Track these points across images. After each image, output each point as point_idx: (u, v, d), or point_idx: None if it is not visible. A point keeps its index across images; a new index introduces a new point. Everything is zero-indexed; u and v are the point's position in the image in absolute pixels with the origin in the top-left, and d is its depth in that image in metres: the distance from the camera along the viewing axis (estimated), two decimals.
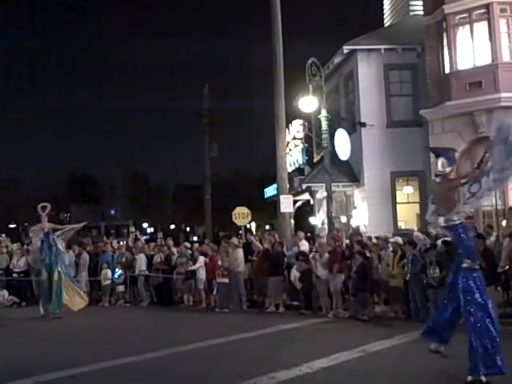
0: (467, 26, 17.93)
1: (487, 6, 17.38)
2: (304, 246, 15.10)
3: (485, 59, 17.54)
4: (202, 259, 15.89)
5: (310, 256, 13.93)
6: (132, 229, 20.83)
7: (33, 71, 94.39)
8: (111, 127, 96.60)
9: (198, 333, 11.30)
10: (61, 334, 12.00)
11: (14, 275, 18.19)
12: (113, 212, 56.97)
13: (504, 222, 14.76)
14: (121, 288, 17.44)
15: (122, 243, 21.10)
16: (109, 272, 17.28)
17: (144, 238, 34.20)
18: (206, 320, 13.60)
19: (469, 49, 17.79)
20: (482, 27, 17.71)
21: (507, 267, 10.64)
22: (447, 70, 18.19)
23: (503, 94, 16.95)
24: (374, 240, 14.33)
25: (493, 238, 12.05)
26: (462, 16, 18.00)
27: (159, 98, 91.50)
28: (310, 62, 18.89)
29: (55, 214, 56.59)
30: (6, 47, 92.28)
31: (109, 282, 17.21)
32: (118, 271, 17.43)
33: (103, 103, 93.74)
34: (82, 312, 14.74)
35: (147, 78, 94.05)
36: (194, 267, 15.83)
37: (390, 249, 12.73)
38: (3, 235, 21.37)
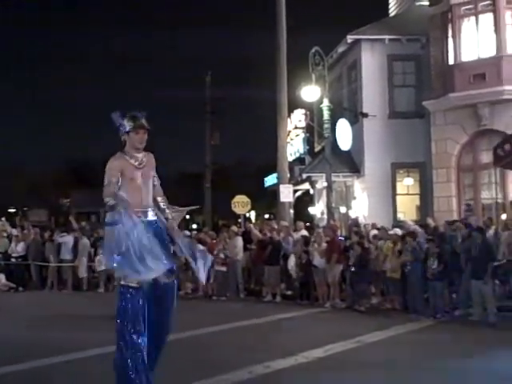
0: (473, 18, 17.77)
1: None
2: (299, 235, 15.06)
3: (489, 51, 17.38)
4: (200, 248, 15.84)
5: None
6: None
7: (33, 59, 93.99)
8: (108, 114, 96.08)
9: (195, 320, 11.26)
10: (56, 319, 11.96)
11: (13, 260, 18.23)
12: None
13: (504, 216, 14.73)
14: None
15: None
16: (102, 258, 17.25)
17: None
18: (203, 308, 13.58)
19: (473, 40, 17.64)
20: (487, 19, 17.55)
21: (505, 260, 10.59)
22: (451, 62, 18.06)
23: (506, 87, 16.81)
24: (375, 231, 14.29)
25: (492, 231, 12.01)
26: (467, 7, 17.84)
27: (162, 86, 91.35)
28: (313, 51, 18.78)
29: (55, 199, 56.64)
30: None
31: (103, 267, 17.19)
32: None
33: (104, 90, 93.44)
34: (78, 297, 14.67)
35: (151, 67, 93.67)
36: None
37: (389, 240, 12.69)
38: (3, 219, 21.32)
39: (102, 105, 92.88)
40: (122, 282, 5.33)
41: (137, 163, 5.39)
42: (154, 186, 5.59)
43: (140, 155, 5.44)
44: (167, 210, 5.61)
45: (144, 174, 5.41)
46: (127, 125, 5.35)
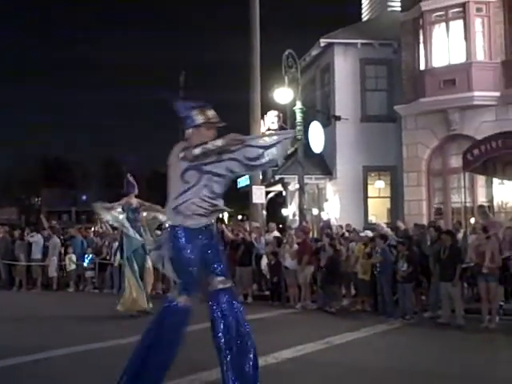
0: (443, 24, 18.08)
1: (463, 5, 17.53)
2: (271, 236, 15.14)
3: (459, 57, 17.70)
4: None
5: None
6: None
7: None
8: (87, 115, 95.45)
9: None
10: (24, 318, 11.82)
11: None
12: (85, 197, 56.43)
13: (472, 220, 14.98)
14: (90, 273, 17.35)
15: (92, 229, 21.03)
16: (73, 257, 17.17)
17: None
18: None
19: (444, 46, 17.94)
20: (457, 26, 17.87)
21: (473, 263, 10.78)
22: (422, 67, 18.32)
23: (476, 93, 17.14)
24: (347, 234, 14.43)
25: (460, 235, 12.21)
26: (438, 14, 18.14)
27: (135, 88, 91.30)
28: (286, 53, 18.86)
29: (26, 198, 55.94)
30: None
31: (74, 266, 17.09)
32: (89, 256, 17.34)
33: (81, 91, 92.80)
34: (48, 297, 14.47)
35: (126, 71, 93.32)
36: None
37: (361, 242, 12.82)
38: None
39: (76, 106, 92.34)
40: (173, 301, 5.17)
41: None
42: None
43: None
44: None
45: None
46: (198, 118, 4.90)
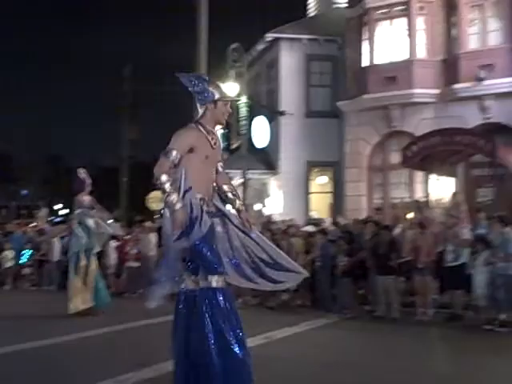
0: (387, 22, 18.36)
1: (407, 3, 17.85)
2: None
3: (402, 55, 18.02)
4: (112, 244, 15.53)
5: None
6: (44, 210, 20.23)
7: None
8: (26, 108, 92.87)
9: (102, 318, 11.03)
10: None
11: None
12: (25, 192, 55.08)
13: (410, 215, 15.27)
14: (27, 270, 16.91)
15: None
16: (10, 253, 16.69)
17: (57, 219, 33.16)
18: (113, 305, 13.27)
19: (387, 44, 18.22)
20: (401, 23, 18.19)
21: (409, 258, 10.99)
22: (365, 64, 18.56)
23: (416, 90, 17.47)
24: (293, 229, 14.43)
25: (398, 230, 12.41)
26: (382, 11, 18.42)
27: (79, 84, 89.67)
28: (232, 47, 18.79)
29: None
30: None
31: (11, 263, 16.61)
32: (27, 253, 16.90)
33: (22, 84, 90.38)
34: None
35: (71, 65, 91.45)
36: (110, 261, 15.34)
37: (301, 237, 12.88)
38: None
39: (16, 99, 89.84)
40: None
41: (213, 142, 4.52)
42: (217, 171, 4.72)
43: (216, 133, 4.65)
44: (238, 201, 4.81)
45: (215, 156, 4.60)
46: (216, 92, 4.54)
